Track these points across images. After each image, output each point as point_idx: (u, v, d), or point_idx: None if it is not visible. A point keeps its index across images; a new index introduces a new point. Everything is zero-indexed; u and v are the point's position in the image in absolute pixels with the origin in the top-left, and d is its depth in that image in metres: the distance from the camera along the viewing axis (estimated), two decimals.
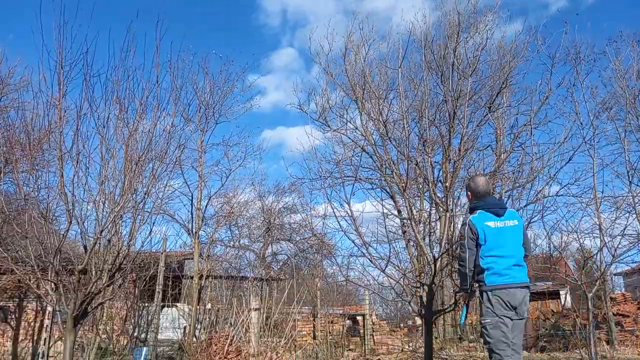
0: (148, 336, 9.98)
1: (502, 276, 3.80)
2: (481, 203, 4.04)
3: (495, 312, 3.77)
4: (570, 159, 6.31)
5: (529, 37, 11.84)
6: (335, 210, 6.69)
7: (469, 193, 4.18)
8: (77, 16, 5.29)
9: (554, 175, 6.31)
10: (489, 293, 3.81)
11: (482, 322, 3.86)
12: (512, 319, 3.78)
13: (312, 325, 12.65)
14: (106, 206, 5.42)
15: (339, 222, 6.72)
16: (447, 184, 6.67)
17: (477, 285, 3.99)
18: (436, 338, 13.36)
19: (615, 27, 29.54)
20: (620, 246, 8.29)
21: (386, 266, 6.47)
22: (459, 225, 4.45)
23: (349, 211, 6.61)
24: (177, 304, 12.88)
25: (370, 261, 6.53)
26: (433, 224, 6.86)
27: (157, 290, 10.15)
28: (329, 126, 14.37)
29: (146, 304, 10.52)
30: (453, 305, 6.49)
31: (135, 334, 9.95)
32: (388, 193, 14.66)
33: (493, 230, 3.89)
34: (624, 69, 10.12)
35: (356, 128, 13.87)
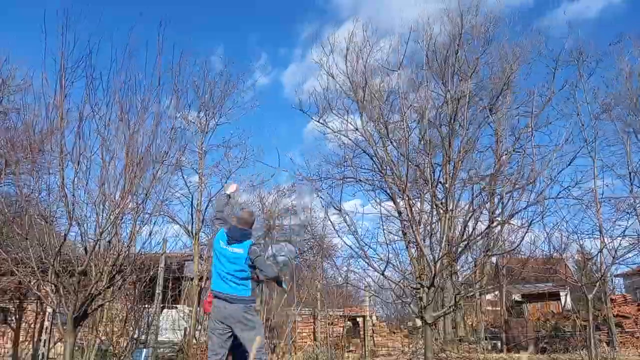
0: (148, 338, 9.96)
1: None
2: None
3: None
4: (571, 162, 6.31)
5: (532, 40, 11.86)
6: (332, 214, 6.69)
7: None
8: (80, 18, 5.30)
9: (555, 177, 6.31)
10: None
11: None
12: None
13: (312, 326, 12.64)
14: (107, 208, 5.42)
15: (334, 227, 6.72)
16: (447, 185, 6.67)
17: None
18: (436, 340, 13.36)
19: (619, 28, 29.54)
20: (620, 247, 8.30)
21: (385, 268, 6.47)
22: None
23: (345, 216, 6.61)
24: (178, 306, 12.86)
25: (368, 264, 6.53)
26: (433, 225, 6.85)
27: (157, 291, 10.13)
28: (329, 127, 14.35)
29: (146, 306, 10.50)
30: (453, 307, 6.48)
31: (136, 335, 9.93)
32: (388, 194, 14.64)
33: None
34: (627, 70, 10.12)
35: (357, 129, 13.85)
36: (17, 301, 11.09)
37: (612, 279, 16.95)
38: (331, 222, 6.62)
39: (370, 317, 13.17)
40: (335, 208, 6.89)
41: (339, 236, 6.80)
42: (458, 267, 9.44)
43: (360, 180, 13.36)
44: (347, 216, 6.78)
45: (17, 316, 11.04)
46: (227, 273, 4.33)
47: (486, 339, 13.66)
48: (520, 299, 22.25)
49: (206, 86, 12.75)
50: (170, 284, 11.45)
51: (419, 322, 16.66)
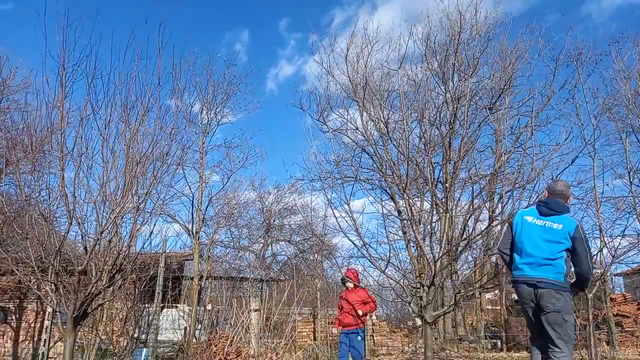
0: (148, 337, 9.97)
1: (516, 270, 4.03)
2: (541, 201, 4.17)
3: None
4: (573, 161, 6.31)
5: (532, 39, 11.87)
6: (335, 210, 6.69)
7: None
8: (81, 18, 5.30)
9: (555, 176, 6.31)
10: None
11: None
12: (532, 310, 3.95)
13: (312, 326, 12.65)
14: (107, 207, 5.43)
15: (338, 224, 6.72)
16: (447, 184, 6.67)
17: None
18: (436, 339, 13.37)
19: (617, 27, 29.60)
20: (620, 247, 8.32)
21: (386, 267, 6.47)
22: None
23: (349, 212, 6.62)
24: (178, 305, 12.87)
25: (371, 262, 6.54)
26: (433, 224, 6.86)
27: (157, 291, 10.14)
28: (328, 126, 14.35)
29: (146, 305, 10.51)
30: (453, 306, 6.49)
31: (136, 335, 9.94)
32: (388, 194, 14.66)
33: (526, 224, 4.04)
34: (626, 70, 10.12)
35: (357, 128, 13.87)
36: (17, 300, 11.10)
37: (612, 278, 16.95)
38: (337, 220, 6.62)
39: (370, 316, 13.17)
40: (337, 208, 6.90)
41: (346, 235, 6.80)
42: (458, 267, 9.45)
43: (360, 180, 13.36)
44: (348, 216, 6.78)
45: (17, 315, 11.04)
46: (534, 254, 3.90)
47: (486, 338, 13.67)
48: None
49: (209, 86, 12.73)
50: (170, 284, 11.46)
51: (419, 322, 16.69)
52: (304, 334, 12.32)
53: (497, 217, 7.11)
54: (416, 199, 10.01)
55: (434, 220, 6.92)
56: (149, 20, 6.64)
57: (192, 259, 12.65)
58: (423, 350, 6.68)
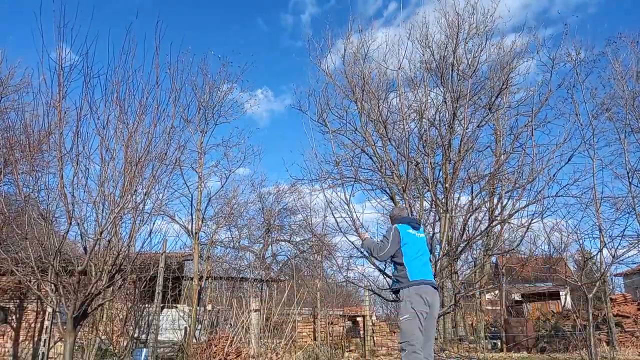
0: (148, 337, 9.97)
1: (420, 274, 4.32)
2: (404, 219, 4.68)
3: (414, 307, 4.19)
4: (569, 159, 6.31)
5: (530, 38, 11.87)
6: (334, 211, 6.69)
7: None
8: (77, 17, 5.28)
9: (554, 175, 6.30)
10: (411, 288, 4.22)
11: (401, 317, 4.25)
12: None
13: (312, 326, 12.65)
14: (106, 207, 5.42)
15: (337, 224, 6.72)
16: (447, 184, 6.67)
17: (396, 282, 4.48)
18: (436, 339, 13.35)
19: (615, 28, 29.56)
20: (620, 247, 8.32)
21: (386, 267, 6.48)
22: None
23: (348, 212, 6.62)
24: (177, 305, 12.87)
25: (372, 263, 6.54)
26: (433, 224, 6.86)
27: (157, 291, 10.14)
28: (327, 127, 14.35)
29: (146, 305, 10.51)
30: (453, 306, 6.49)
31: (136, 335, 9.94)
32: (388, 194, 14.65)
33: (411, 236, 4.49)
34: (623, 70, 10.12)
35: (356, 129, 13.87)
36: (18, 300, 11.11)
37: (611, 278, 16.97)
38: (336, 220, 6.62)
39: (370, 316, 13.17)
40: (337, 208, 6.89)
41: (345, 236, 6.80)
42: (458, 267, 9.45)
43: (360, 180, 13.36)
44: (348, 216, 6.78)
45: (18, 315, 11.05)
46: (428, 260, 4.48)
47: (486, 339, 13.67)
48: (520, 299, 22.26)
49: (205, 85, 12.71)
50: (170, 284, 11.45)
51: None
52: (304, 334, 12.32)
53: (496, 217, 7.11)
54: (416, 199, 10.01)
55: (434, 220, 6.92)
56: (154, 15, 6.64)
57: (192, 259, 12.65)
58: None
